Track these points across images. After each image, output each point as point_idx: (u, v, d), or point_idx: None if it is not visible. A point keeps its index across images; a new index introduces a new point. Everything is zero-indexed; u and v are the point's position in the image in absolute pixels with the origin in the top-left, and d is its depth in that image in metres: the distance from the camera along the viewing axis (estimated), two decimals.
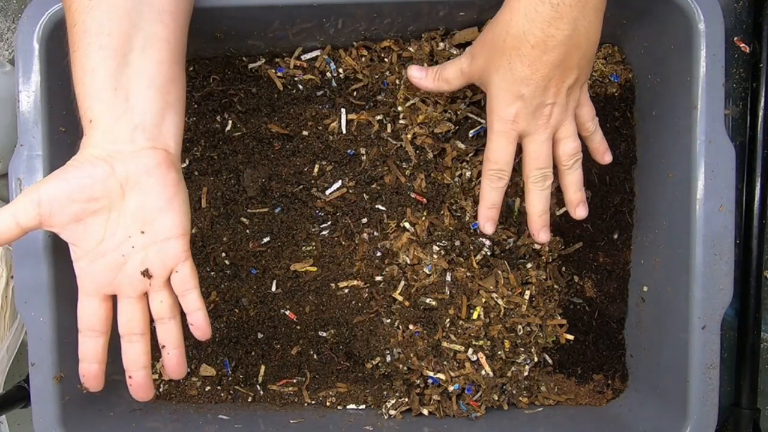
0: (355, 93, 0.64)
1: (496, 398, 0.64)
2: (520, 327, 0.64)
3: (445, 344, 0.63)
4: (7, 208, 0.45)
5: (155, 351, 0.68)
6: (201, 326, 0.49)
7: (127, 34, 0.45)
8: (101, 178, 0.45)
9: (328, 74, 0.64)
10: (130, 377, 0.49)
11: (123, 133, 0.45)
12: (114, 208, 0.46)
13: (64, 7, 0.47)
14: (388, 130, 0.64)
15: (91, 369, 0.48)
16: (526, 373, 0.65)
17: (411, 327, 0.64)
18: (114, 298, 0.49)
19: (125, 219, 0.46)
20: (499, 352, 0.63)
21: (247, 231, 0.66)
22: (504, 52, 0.49)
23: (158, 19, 0.47)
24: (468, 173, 0.62)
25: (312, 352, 0.66)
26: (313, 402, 0.66)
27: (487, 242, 0.63)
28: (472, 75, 0.54)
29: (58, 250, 0.56)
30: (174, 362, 0.49)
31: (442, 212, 0.63)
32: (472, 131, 0.62)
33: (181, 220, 0.48)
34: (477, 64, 0.52)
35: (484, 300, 0.63)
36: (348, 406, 0.66)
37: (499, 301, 0.63)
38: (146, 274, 0.47)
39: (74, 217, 0.45)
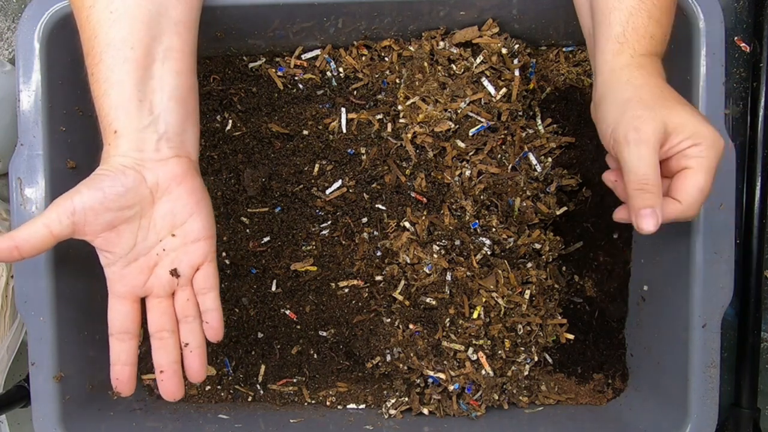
0: (355, 92, 0.64)
1: (497, 397, 0.63)
2: (520, 326, 0.64)
3: (445, 344, 0.63)
4: (39, 218, 0.46)
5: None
6: (215, 326, 0.51)
7: (148, 47, 0.46)
8: (133, 186, 0.47)
9: (329, 73, 0.64)
10: (161, 372, 0.50)
11: (149, 143, 0.47)
12: (144, 214, 0.48)
13: (80, 18, 0.47)
14: (389, 129, 0.64)
15: (124, 372, 0.49)
16: (526, 373, 0.65)
17: (411, 326, 0.64)
18: (141, 301, 0.50)
19: (155, 224, 0.48)
20: (500, 352, 0.63)
21: (247, 231, 0.65)
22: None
23: (174, 31, 0.48)
24: (468, 172, 0.62)
25: (312, 352, 0.66)
26: (313, 401, 0.66)
27: (487, 242, 0.63)
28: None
29: (59, 250, 0.56)
30: (197, 362, 0.50)
31: (442, 211, 0.63)
32: (472, 130, 0.62)
33: (209, 222, 0.50)
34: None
35: (484, 299, 0.62)
36: (348, 406, 0.66)
37: (500, 301, 0.63)
38: (174, 273, 0.49)
39: (108, 225, 0.47)
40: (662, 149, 0.45)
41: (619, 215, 0.50)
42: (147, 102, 0.47)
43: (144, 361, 0.66)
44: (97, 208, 0.46)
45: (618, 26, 0.47)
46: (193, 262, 0.50)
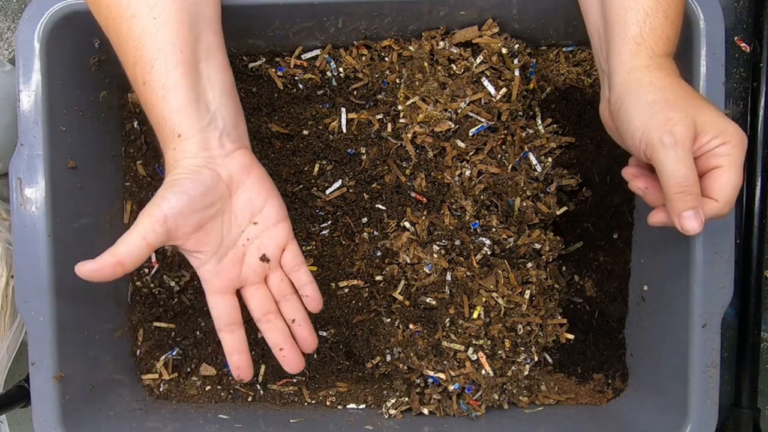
0: (355, 92, 0.64)
1: (497, 397, 0.63)
2: (520, 326, 0.64)
3: (445, 343, 0.63)
4: (135, 231, 0.47)
5: (156, 350, 0.68)
6: (315, 297, 0.54)
7: (193, 47, 0.47)
8: (212, 184, 0.48)
9: (329, 73, 0.64)
10: (281, 349, 0.53)
11: (213, 140, 0.49)
12: (225, 209, 0.50)
13: (119, 31, 0.47)
14: (389, 129, 0.64)
15: (242, 359, 0.52)
16: (526, 373, 0.65)
17: (411, 326, 0.64)
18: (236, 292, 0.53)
19: (236, 216, 0.51)
20: (500, 352, 0.63)
21: None
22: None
23: (210, 28, 0.49)
24: (468, 172, 0.62)
25: (312, 352, 0.66)
26: (313, 401, 0.66)
27: (487, 242, 0.63)
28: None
29: (59, 250, 0.56)
30: (307, 332, 0.54)
31: (442, 211, 0.63)
32: (472, 130, 0.62)
33: (282, 204, 0.53)
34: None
35: (484, 299, 0.62)
36: (348, 406, 0.66)
37: (500, 301, 0.63)
38: (264, 258, 0.52)
39: (196, 225, 0.48)
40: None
41: (656, 219, 0.49)
42: (203, 102, 0.48)
43: (144, 361, 0.66)
44: (186, 212, 0.47)
45: (635, 26, 0.47)
46: (278, 244, 0.52)
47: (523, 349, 0.64)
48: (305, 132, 0.65)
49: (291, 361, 0.53)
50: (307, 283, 0.54)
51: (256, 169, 0.51)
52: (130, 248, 0.46)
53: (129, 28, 0.47)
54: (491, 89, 0.61)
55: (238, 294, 0.53)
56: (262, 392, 0.66)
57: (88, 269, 0.46)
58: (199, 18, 0.48)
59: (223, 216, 0.50)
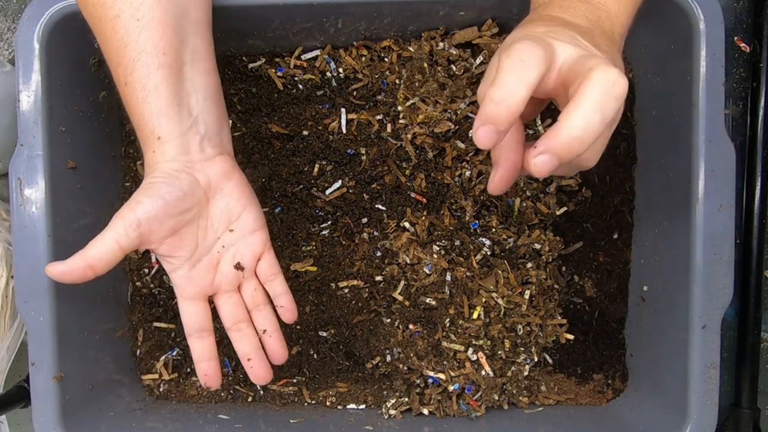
0: (355, 92, 0.64)
1: (496, 398, 0.63)
2: (520, 327, 0.64)
3: (445, 344, 0.63)
4: (107, 234, 0.46)
5: (156, 350, 0.68)
6: (290, 308, 0.54)
7: (177, 50, 0.47)
8: (189, 189, 0.48)
9: (328, 74, 0.64)
10: (249, 360, 0.53)
11: (193, 144, 0.48)
12: (202, 215, 0.50)
13: (104, 31, 0.47)
14: (388, 129, 0.64)
15: (210, 366, 0.52)
16: (526, 373, 0.65)
17: (411, 327, 0.64)
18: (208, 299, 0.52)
19: (212, 222, 0.50)
20: (499, 352, 0.63)
21: None
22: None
23: (197, 32, 0.49)
24: (468, 173, 0.62)
25: (312, 352, 0.66)
26: (313, 402, 0.66)
27: (487, 242, 0.63)
28: None
29: (59, 250, 0.56)
30: (278, 345, 0.54)
31: (442, 212, 0.63)
32: (472, 131, 0.62)
33: (261, 212, 0.53)
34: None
35: (484, 300, 0.63)
36: (348, 406, 0.66)
37: (499, 301, 0.63)
38: (238, 266, 0.52)
39: (171, 230, 0.48)
40: None
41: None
42: (185, 105, 0.47)
43: (144, 361, 0.66)
44: (160, 216, 0.47)
45: None
46: (254, 253, 0.52)
47: (522, 349, 0.64)
48: (305, 132, 0.65)
49: (258, 373, 0.53)
50: (282, 294, 0.54)
51: (237, 176, 0.51)
52: (102, 252, 0.46)
53: (113, 29, 0.46)
54: None
55: (211, 301, 0.52)
56: (262, 392, 0.66)
57: (57, 271, 0.46)
58: (185, 21, 0.48)
59: (198, 222, 0.49)
